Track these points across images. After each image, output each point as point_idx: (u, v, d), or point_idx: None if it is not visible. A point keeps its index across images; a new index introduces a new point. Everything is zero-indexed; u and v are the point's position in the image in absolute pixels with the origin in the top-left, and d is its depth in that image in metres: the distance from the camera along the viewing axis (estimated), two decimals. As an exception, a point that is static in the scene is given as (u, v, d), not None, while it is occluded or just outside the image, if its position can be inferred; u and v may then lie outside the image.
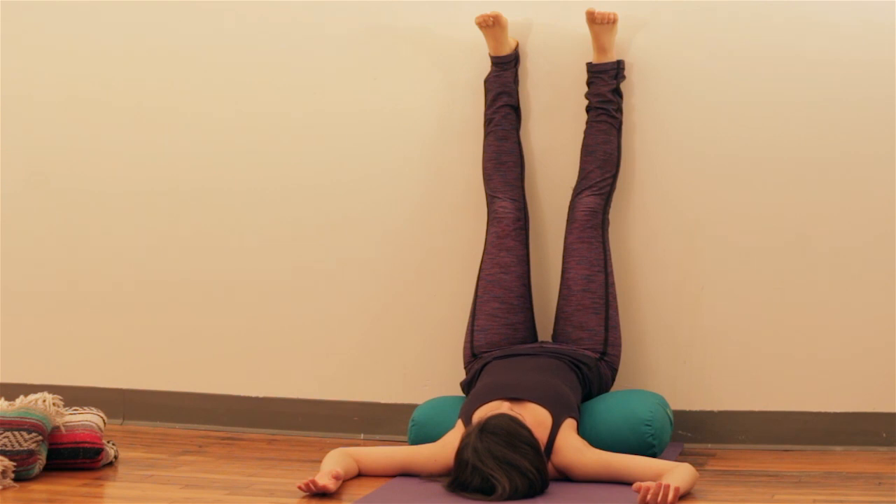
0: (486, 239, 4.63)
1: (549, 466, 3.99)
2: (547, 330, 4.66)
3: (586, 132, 4.62)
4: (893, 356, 4.46)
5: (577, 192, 4.60)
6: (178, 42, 5.01)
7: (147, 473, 4.28)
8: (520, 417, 3.92)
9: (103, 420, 4.40)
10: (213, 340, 5.01)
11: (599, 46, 4.58)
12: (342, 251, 4.89)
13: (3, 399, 4.34)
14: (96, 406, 4.65)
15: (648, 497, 3.73)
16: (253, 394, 4.97)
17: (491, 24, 4.59)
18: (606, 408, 4.30)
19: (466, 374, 4.54)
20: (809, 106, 4.52)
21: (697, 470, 4.02)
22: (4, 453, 4.10)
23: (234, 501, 3.92)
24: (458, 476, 3.86)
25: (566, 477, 4.03)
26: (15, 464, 4.09)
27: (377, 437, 4.83)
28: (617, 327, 4.51)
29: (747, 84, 4.56)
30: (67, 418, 4.30)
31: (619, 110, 4.61)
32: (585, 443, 4.07)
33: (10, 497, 3.96)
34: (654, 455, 4.22)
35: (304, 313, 4.93)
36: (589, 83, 4.62)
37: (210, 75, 4.99)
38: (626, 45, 4.63)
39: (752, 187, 4.57)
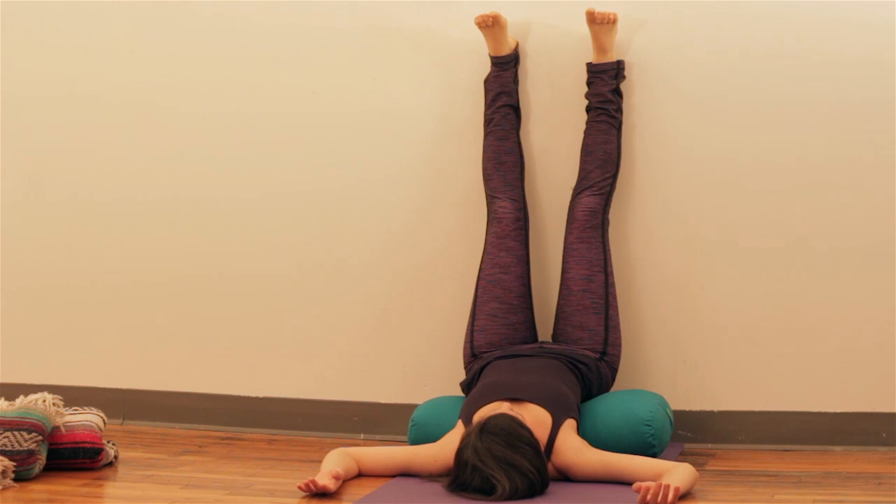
0: (485, 239, 4.63)
1: (549, 466, 3.99)
2: (547, 330, 4.66)
3: (586, 132, 4.62)
4: (893, 356, 4.46)
5: (577, 192, 4.61)
6: (177, 43, 5.01)
7: (147, 473, 4.28)
8: (520, 418, 3.92)
9: (103, 420, 4.40)
10: (213, 340, 5.01)
11: (599, 46, 4.58)
12: (342, 251, 4.89)
13: (3, 399, 4.34)
14: (96, 406, 4.65)
15: (648, 497, 3.73)
16: (253, 394, 4.97)
17: (490, 25, 4.59)
18: (606, 408, 4.30)
19: (466, 374, 4.54)
20: (809, 106, 4.52)
21: (697, 470, 4.02)
22: (4, 453, 4.10)
23: (234, 501, 3.92)
24: (458, 476, 3.86)
25: (566, 477, 4.03)
26: (15, 464, 4.09)
27: (377, 437, 4.83)
28: (617, 327, 4.51)
29: (747, 84, 4.56)
30: (67, 418, 4.30)
31: (619, 110, 4.61)
32: (585, 443, 4.07)
33: (10, 497, 3.96)
34: (654, 455, 4.22)
35: (304, 313, 4.93)
36: (589, 83, 4.62)
37: (209, 76, 4.99)
38: (626, 45, 4.63)
39: (752, 187, 4.57)
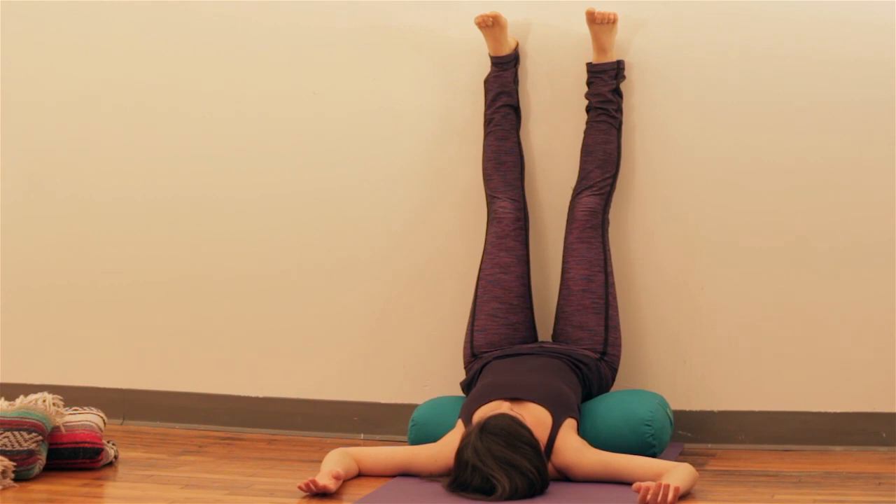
0: (485, 239, 4.63)
1: (549, 466, 3.99)
2: (547, 330, 4.66)
3: (586, 132, 4.62)
4: (893, 356, 4.46)
5: (577, 192, 4.61)
6: (177, 43, 5.01)
7: (147, 473, 4.28)
8: (520, 417, 3.93)
9: (103, 420, 4.40)
10: (213, 340, 5.01)
11: (599, 46, 4.58)
12: (342, 251, 4.89)
13: (3, 399, 4.34)
14: (96, 406, 4.65)
15: (648, 497, 3.73)
16: (253, 394, 4.97)
17: (490, 25, 4.59)
18: (606, 408, 4.31)
19: (466, 374, 4.54)
20: (809, 106, 4.52)
21: (697, 470, 4.02)
22: (4, 453, 4.10)
23: (234, 501, 3.92)
24: (458, 476, 3.86)
25: (566, 477, 4.03)
26: (15, 464, 4.09)
27: (377, 437, 4.83)
28: (617, 327, 4.51)
29: (747, 84, 4.56)
30: (67, 418, 4.30)
31: (619, 110, 4.61)
32: (585, 443, 4.07)
33: (10, 497, 3.96)
34: (654, 455, 4.22)
35: (304, 313, 4.93)
36: (589, 83, 4.62)
37: (209, 76, 4.99)
38: (626, 45, 4.63)
39: (752, 187, 4.57)
